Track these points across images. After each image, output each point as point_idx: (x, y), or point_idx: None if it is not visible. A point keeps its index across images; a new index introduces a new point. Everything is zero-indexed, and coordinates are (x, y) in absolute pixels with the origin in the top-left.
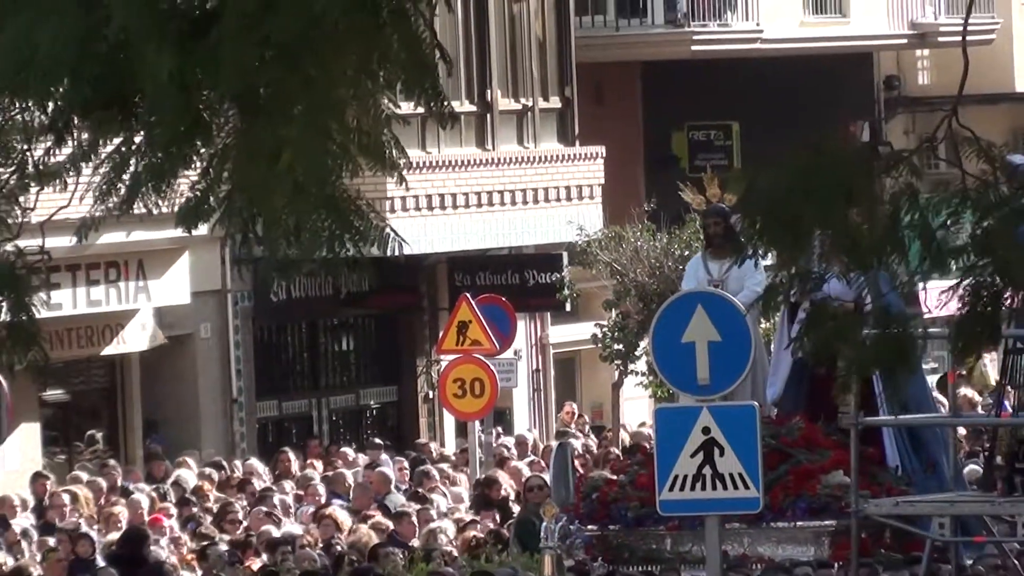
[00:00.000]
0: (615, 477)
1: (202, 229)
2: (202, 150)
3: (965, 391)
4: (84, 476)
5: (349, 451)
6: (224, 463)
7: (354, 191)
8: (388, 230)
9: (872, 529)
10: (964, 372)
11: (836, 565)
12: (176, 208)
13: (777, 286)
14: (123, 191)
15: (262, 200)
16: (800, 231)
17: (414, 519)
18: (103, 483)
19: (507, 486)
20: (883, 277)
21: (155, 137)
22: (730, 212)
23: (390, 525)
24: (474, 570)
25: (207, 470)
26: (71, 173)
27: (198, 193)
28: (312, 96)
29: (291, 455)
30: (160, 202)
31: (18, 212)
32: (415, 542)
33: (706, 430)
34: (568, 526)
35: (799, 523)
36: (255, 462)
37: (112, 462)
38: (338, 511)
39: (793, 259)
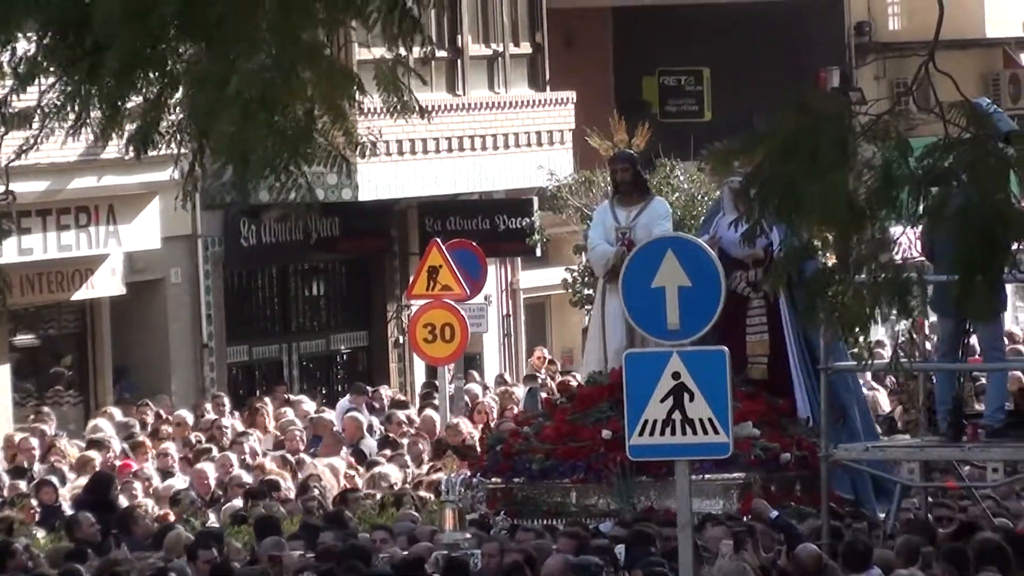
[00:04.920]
0: (520, 429)
1: (172, 173)
2: (153, 77)
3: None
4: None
5: (306, 399)
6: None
7: (313, 120)
8: (337, 155)
9: (782, 483)
10: None
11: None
12: (125, 138)
13: (787, 258)
14: (72, 117)
15: (211, 125)
16: (802, 200)
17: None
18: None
19: (468, 433)
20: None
21: (107, 63)
22: (637, 158)
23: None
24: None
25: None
26: (38, 116)
27: (148, 119)
28: (265, 23)
29: (269, 409)
30: (110, 130)
31: None
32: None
33: (676, 375)
34: (471, 479)
35: (707, 476)
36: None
37: (46, 409)
38: (268, 462)
39: (798, 227)
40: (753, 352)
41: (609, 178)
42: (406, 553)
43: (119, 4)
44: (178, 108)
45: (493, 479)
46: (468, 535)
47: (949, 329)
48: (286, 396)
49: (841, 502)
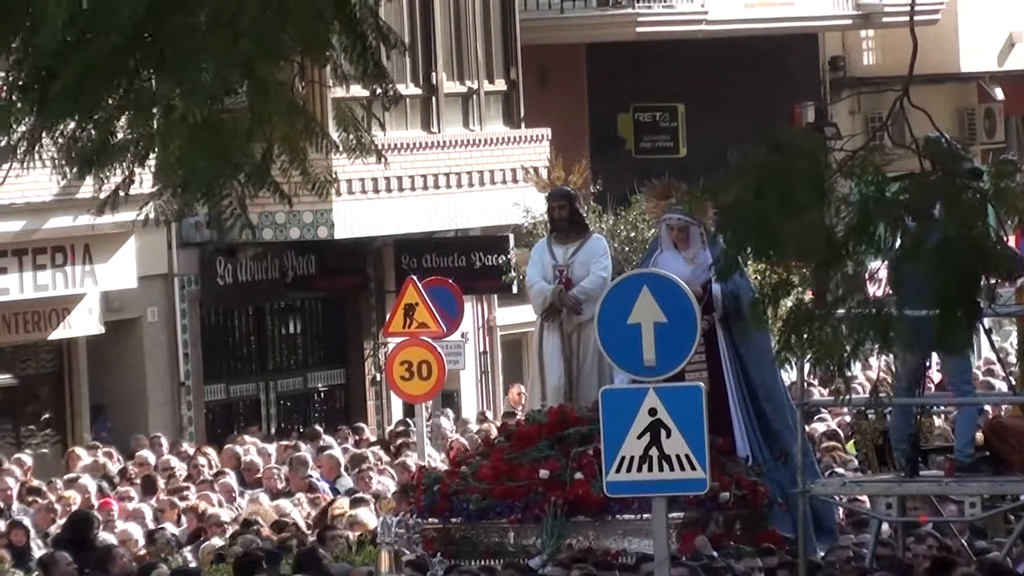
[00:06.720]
0: (458, 468)
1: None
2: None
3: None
4: None
5: (256, 440)
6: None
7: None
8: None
9: (721, 523)
10: None
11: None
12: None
13: (765, 296)
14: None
15: (155, 148)
16: (778, 238)
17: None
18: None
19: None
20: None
21: (54, 89)
22: (574, 195)
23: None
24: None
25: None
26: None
27: (95, 141)
28: (214, 48)
29: (208, 451)
30: (56, 155)
31: None
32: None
33: (652, 411)
34: (407, 520)
35: (645, 515)
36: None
37: (17, 455)
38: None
39: (774, 265)
40: None
41: (546, 215)
42: None
43: (62, 30)
44: (124, 133)
45: (430, 519)
46: None
47: (911, 365)
48: (241, 437)
49: (781, 542)
